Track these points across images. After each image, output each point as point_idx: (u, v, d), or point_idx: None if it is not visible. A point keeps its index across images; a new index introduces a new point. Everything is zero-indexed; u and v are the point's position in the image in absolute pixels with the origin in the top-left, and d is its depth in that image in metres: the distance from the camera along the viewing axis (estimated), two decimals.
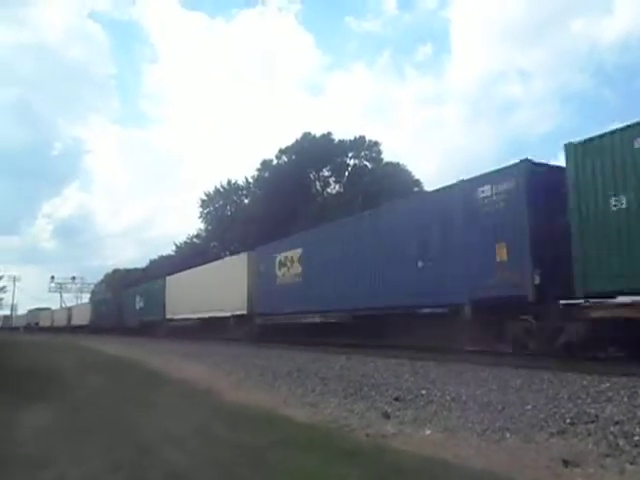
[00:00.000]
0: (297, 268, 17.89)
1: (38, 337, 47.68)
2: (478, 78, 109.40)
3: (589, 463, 4.46)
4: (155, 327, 32.80)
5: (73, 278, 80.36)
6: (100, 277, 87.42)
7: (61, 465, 4.91)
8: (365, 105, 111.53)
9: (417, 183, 46.19)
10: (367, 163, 48.61)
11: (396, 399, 7.36)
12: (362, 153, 48.65)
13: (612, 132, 8.89)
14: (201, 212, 54.96)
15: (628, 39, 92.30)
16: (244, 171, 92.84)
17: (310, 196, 46.63)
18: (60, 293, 79.37)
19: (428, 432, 5.91)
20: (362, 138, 48.77)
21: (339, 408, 7.47)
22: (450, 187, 12.23)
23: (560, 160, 10.08)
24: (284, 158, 48.98)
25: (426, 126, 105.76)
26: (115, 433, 6.29)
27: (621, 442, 4.71)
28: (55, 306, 78.53)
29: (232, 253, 31.04)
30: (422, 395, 7.31)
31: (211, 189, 54.26)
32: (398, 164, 47.72)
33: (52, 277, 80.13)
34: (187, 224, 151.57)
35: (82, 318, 53.34)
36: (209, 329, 24.56)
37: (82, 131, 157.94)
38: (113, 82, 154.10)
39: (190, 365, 14.17)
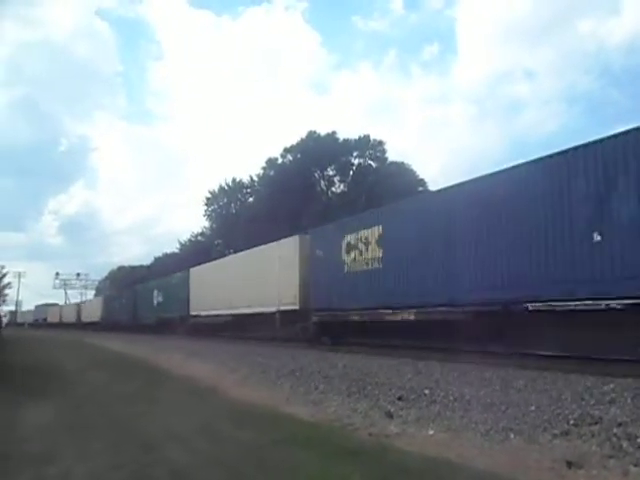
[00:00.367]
0: (375, 251, 14.12)
1: (45, 333, 47.75)
2: (484, 77, 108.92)
3: (592, 464, 4.45)
4: (175, 324, 29.46)
5: (78, 275, 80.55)
6: (105, 274, 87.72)
7: (66, 462, 4.94)
8: (370, 104, 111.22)
9: (421, 183, 46.14)
10: (372, 162, 48.60)
11: (399, 398, 7.36)
12: (367, 152, 48.63)
13: None
14: (206, 210, 55.17)
15: (635, 40, 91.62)
16: (249, 169, 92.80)
17: (315, 195, 46.66)
18: (65, 290, 79.63)
19: (431, 432, 5.91)
20: (367, 137, 48.76)
21: (342, 407, 7.48)
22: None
23: None
24: (289, 157, 49.04)
25: (431, 125, 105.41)
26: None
27: (625, 444, 4.69)
28: (59, 303, 78.46)
29: (236, 251, 30.13)
30: (425, 395, 7.30)
31: (216, 187, 54.42)
32: (402, 163, 47.71)
33: (57, 274, 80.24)
34: (192, 222, 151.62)
35: (93, 314, 50.42)
36: (246, 327, 21.66)
37: (88, 128, 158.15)
38: (119, 79, 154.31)
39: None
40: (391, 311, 13.27)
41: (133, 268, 74.10)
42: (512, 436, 5.39)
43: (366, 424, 6.44)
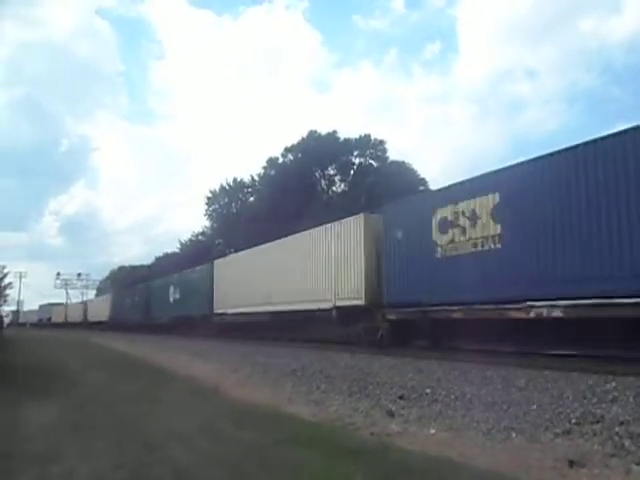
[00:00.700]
0: (488, 227, 10.97)
1: (49, 333, 47.77)
2: (485, 76, 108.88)
3: (595, 463, 4.45)
4: (196, 324, 26.56)
5: (79, 275, 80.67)
6: (106, 274, 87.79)
7: (69, 462, 4.95)
8: (371, 103, 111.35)
9: (422, 182, 46.11)
10: (372, 162, 48.57)
11: (401, 397, 7.36)
12: (367, 152, 48.61)
13: None
14: (206, 210, 55.14)
15: (636, 38, 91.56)
16: (250, 169, 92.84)
17: (315, 194, 46.64)
18: (66, 289, 79.70)
19: (433, 431, 5.92)
20: (367, 137, 48.75)
21: (344, 406, 7.48)
22: None
23: None
24: (290, 156, 49.03)
25: (432, 124, 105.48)
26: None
27: (627, 442, 4.70)
28: (62, 302, 78.27)
29: (237, 251, 29.46)
30: (427, 394, 7.31)
31: (217, 187, 54.41)
32: (403, 163, 47.68)
33: (58, 274, 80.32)
34: (193, 222, 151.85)
35: (100, 313, 47.83)
36: (289, 327, 18.33)
37: (89, 128, 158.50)
38: (121, 79, 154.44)
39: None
40: (521, 305, 9.98)
41: (134, 268, 74.13)
42: (514, 435, 5.39)
43: (367, 423, 6.45)
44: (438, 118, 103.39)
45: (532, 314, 9.79)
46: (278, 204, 43.39)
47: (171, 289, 30.99)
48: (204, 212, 55.44)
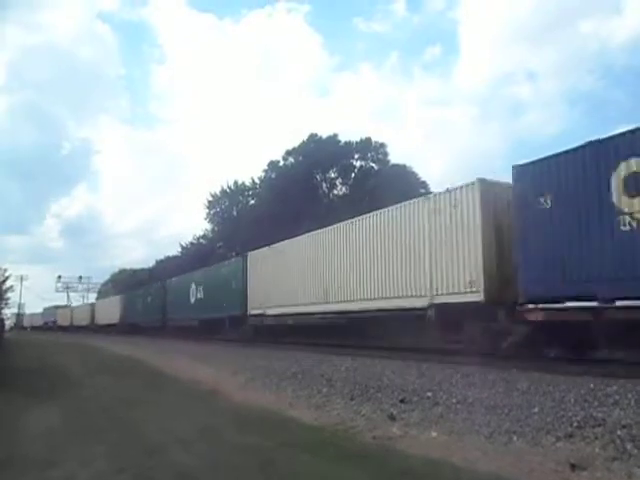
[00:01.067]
0: None
1: (53, 338, 47.75)
2: (486, 79, 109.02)
3: (596, 467, 4.45)
4: (223, 327, 23.36)
5: (80, 278, 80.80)
6: (107, 277, 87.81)
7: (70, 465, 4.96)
8: (372, 106, 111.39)
9: (424, 185, 46.11)
10: (373, 165, 48.57)
11: (402, 401, 7.36)
12: (368, 155, 48.63)
13: None
14: (207, 213, 55.16)
15: (638, 40, 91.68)
16: (251, 172, 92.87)
17: (317, 198, 46.67)
18: (67, 293, 79.78)
19: (434, 434, 5.91)
20: (368, 140, 48.77)
21: (345, 410, 7.48)
22: None
23: None
24: (291, 159, 49.08)
25: (434, 127, 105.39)
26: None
27: (629, 446, 4.69)
28: (62, 306, 78.16)
29: (237, 254, 28.83)
30: (428, 397, 7.30)
31: (218, 190, 54.47)
32: (404, 166, 47.64)
33: (59, 277, 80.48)
34: (194, 225, 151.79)
35: (109, 316, 44.71)
36: (361, 331, 15.39)
37: (91, 132, 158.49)
38: (122, 83, 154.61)
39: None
40: None
41: (135, 271, 74.18)
42: (515, 438, 5.38)
43: (369, 427, 6.45)
44: (439, 121, 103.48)
45: None
46: (279, 207, 43.42)
47: (192, 288, 27.41)
48: (205, 215, 55.46)
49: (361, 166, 48.79)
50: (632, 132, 8.67)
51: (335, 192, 49.10)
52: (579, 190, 9.17)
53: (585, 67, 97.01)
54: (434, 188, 42.46)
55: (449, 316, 11.33)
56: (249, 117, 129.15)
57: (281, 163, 49.71)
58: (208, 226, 56.16)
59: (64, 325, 64.26)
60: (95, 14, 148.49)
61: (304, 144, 48.33)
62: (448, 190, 11.92)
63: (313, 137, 48.35)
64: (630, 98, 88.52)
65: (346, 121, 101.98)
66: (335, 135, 48.45)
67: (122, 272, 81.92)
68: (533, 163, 10.09)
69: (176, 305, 29.84)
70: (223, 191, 54.03)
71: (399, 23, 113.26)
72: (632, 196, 8.36)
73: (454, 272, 11.32)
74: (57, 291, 79.91)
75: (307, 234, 17.93)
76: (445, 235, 11.65)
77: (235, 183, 53.83)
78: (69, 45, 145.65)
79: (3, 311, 33.63)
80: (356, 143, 48.57)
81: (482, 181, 11.09)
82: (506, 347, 10.24)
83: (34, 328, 79.43)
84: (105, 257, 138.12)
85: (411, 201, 13.16)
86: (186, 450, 5.43)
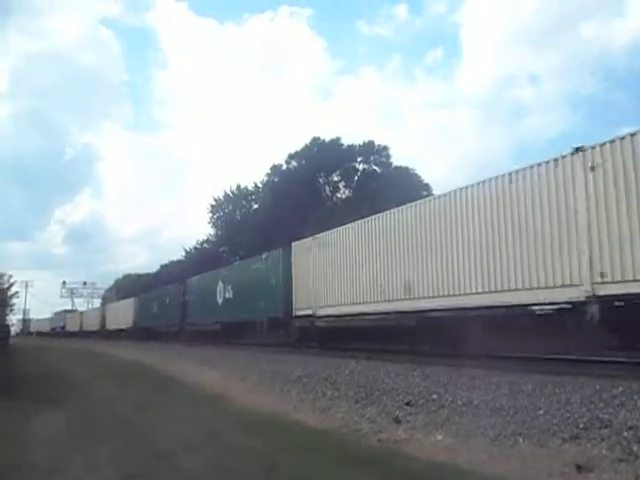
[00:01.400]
0: None
1: (61, 344, 47.80)
2: (488, 82, 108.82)
3: (603, 468, 4.43)
4: (260, 331, 20.75)
5: (84, 283, 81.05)
6: (111, 282, 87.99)
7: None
8: (374, 109, 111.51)
9: (426, 187, 46.10)
10: (376, 168, 48.64)
11: (407, 404, 7.34)
12: (371, 158, 48.71)
13: None
14: (211, 217, 55.31)
15: (639, 41, 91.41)
16: (253, 176, 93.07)
17: (320, 201, 46.72)
18: (72, 298, 80.00)
19: (440, 437, 5.90)
20: (371, 143, 48.84)
21: (350, 413, 7.47)
22: None
23: None
24: (294, 163, 49.18)
25: (436, 130, 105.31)
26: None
27: (635, 447, 4.67)
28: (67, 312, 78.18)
29: (241, 258, 28.62)
30: (433, 400, 7.28)
31: (221, 194, 54.61)
32: (407, 168, 47.70)
33: (63, 282, 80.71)
34: (197, 229, 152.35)
35: (122, 320, 42.31)
36: (462, 335, 11.02)
37: (94, 138, 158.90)
38: (125, 88, 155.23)
39: None
40: None
41: (139, 276, 74.30)
42: (521, 441, 5.36)
43: (374, 430, 6.44)
44: (442, 123, 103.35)
45: None
46: (282, 211, 43.48)
47: (219, 287, 24.31)
48: (208, 220, 55.65)
49: (364, 169, 48.87)
50: None
51: (338, 195, 49.19)
52: None
53: (587, 70, 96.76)
54: (437, 190, 42.53)
55: (628, 315, 8.13)
56: (251, 121, 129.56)
57: (284, 167, 49.87)
58: (211, 230, 56.35)
59: (74, 330, 62.40)
60: (98, 20, 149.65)
61: (307, 148, 48.46)
62: (609, 143, 8.63)
63: (316, 141, 48.48)
64: (632, 101, 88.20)
65: (349, 124, 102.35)
66: (338, 138, 48.58)
67: (126, 277, 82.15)
68: None
69: (199, 307, 26.99)
70: (226, 195, 54.19)
71: (401, 26, 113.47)
72: None
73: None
74: (62, 297, 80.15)
75: (376, 215, 14.70)
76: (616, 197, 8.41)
77: (238, 187, 54.01)
78: (72, 51, 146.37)
79: (9, 317, 33.64)
80: (359, 146, 48.66)
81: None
82: None
83: (41, 334, 79.38)
84: (109, 262, 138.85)
85: (552, 159, 9.63)
86: (193, 454, 5.43)
